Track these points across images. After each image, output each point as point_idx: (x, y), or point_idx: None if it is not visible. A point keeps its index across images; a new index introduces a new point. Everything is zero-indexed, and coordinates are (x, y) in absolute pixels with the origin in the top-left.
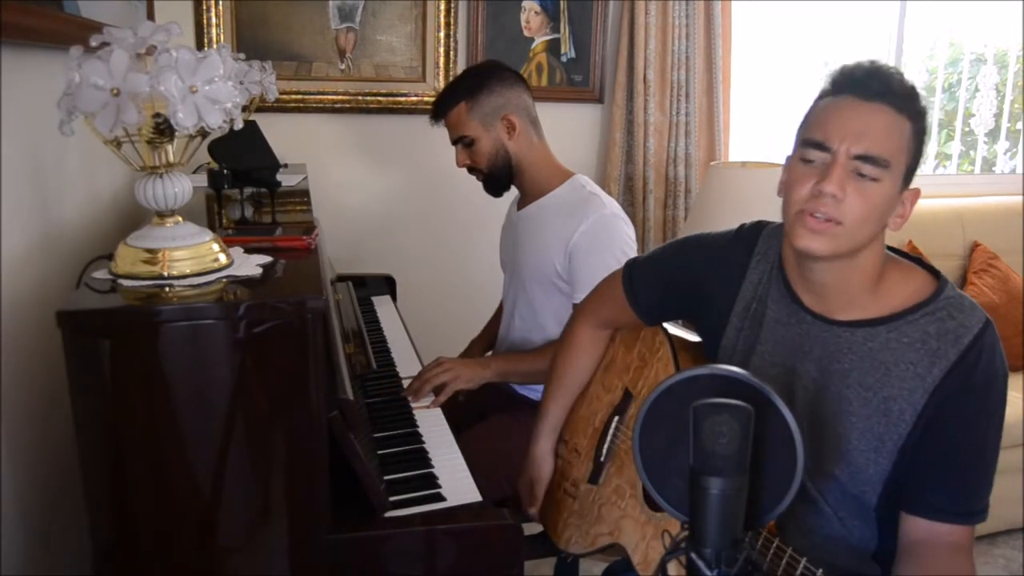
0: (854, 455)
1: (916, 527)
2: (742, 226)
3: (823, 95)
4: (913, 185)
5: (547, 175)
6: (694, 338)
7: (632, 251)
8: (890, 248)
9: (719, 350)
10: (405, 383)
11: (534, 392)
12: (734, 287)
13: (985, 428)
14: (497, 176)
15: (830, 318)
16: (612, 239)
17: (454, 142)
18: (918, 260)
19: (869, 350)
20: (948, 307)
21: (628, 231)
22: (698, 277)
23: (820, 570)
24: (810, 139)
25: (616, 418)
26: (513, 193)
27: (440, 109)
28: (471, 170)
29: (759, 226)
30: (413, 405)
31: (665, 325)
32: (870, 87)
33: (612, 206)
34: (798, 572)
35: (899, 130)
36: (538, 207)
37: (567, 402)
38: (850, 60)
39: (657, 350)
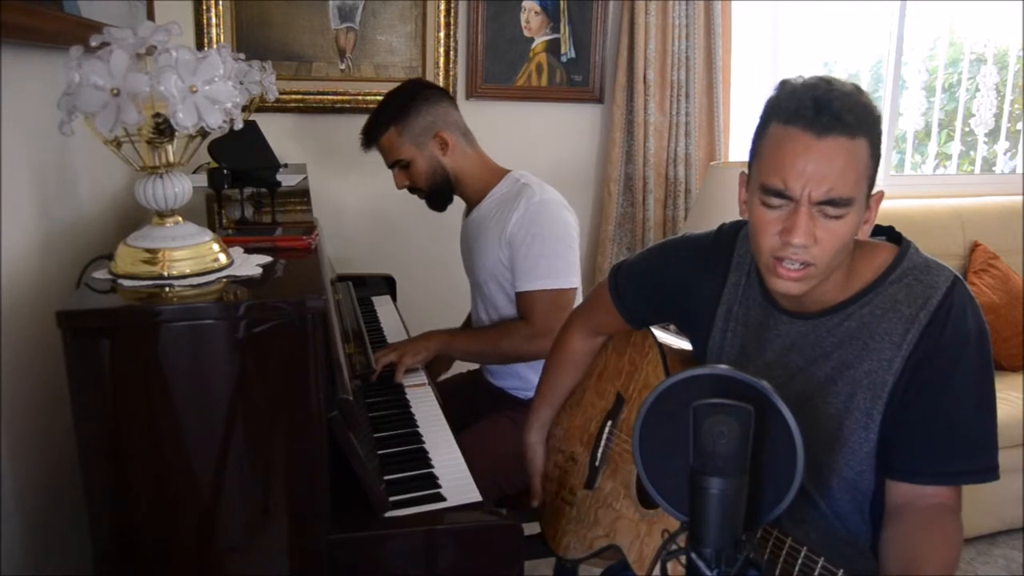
0: (848, 435)
1: (899, 491)
2: (721, 227)
3: (771, 118)
4: (914, 185)
5: (484, 180)
6: (682, 344)
7: (570, 235)
8: None
9: (707, 353)
10: (405, 382)
11: (523, 393)
12: (716, 290)
13: (962, 387)
14: (437, 192)
15: (808, 313)
16: (545, 225)
17: (390, 166)
18: (886, 229)
19: (847, 330)
20: (913, 271)
21: (565, 216)
22: (681, 280)
23: (841, 571)
24: (769, 186)
25: (609, 422)
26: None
27: (370, 136)
28: (412, 190)
29: (737, 227)
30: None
31: (654, 331)
32: (819, 122)
33: (545, 193)
34: (816, 572)
35: (856, 159)
36: (479, 210)
37: (557, 403)
38: (794, 75)
39: (647, 354)
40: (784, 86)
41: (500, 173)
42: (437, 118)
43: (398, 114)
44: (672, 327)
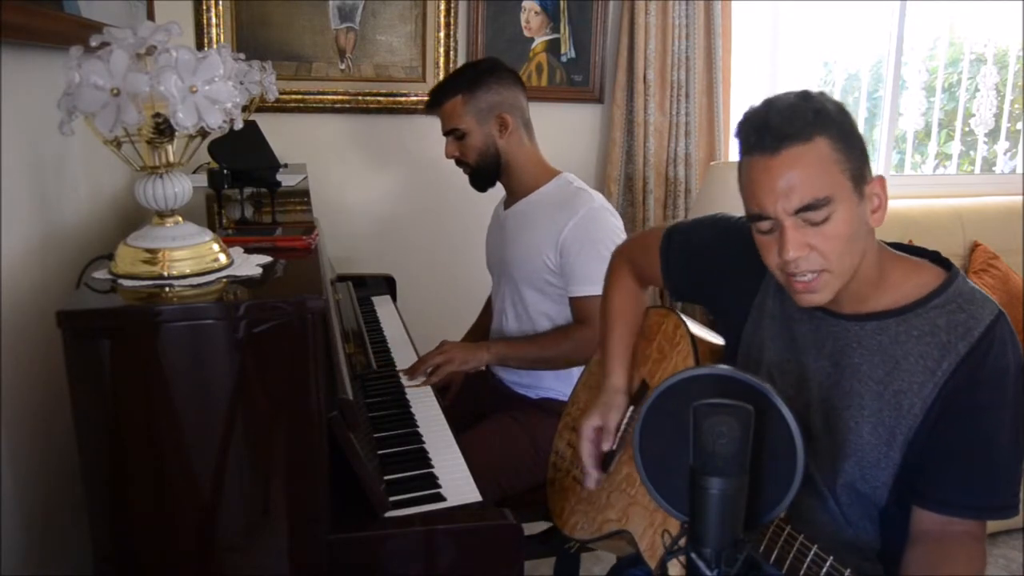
0: (866, 449)
1: (926, 518)
2: None
3: (740, 154)
4: (914, 185)
5: (534, 174)
6: (713, 338)
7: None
8: (896, 245)
9: (739, 345)
10: (405, 382)
11: (533, 391)
12: (755, 282)
13: (997, 422)
14: (484, 171)
15: (840, 312)
16: (602, 231)
17: (446, 133)
18: (932, 253)
19: (879, 343)
20: (958, 299)
21: (617, 223)
22: (728, 263)
23: (848, 570)
24: (751, 213)
25: (632, 408)
26: (500, 193)
27: (436, 99)
28: (459, 162)
29: None
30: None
31: (686, 321)
32: (765, 143)
33: (600, 200)
34: (823, 571)
35: (819, 158)
36: (526, 204)
37: (627, 339)
38: (751, 106)
39: (677, 343)
40: (741, 120)
41: (551, 173)
42: (504, 99)
43: (469, 84)
44: (703, 311)
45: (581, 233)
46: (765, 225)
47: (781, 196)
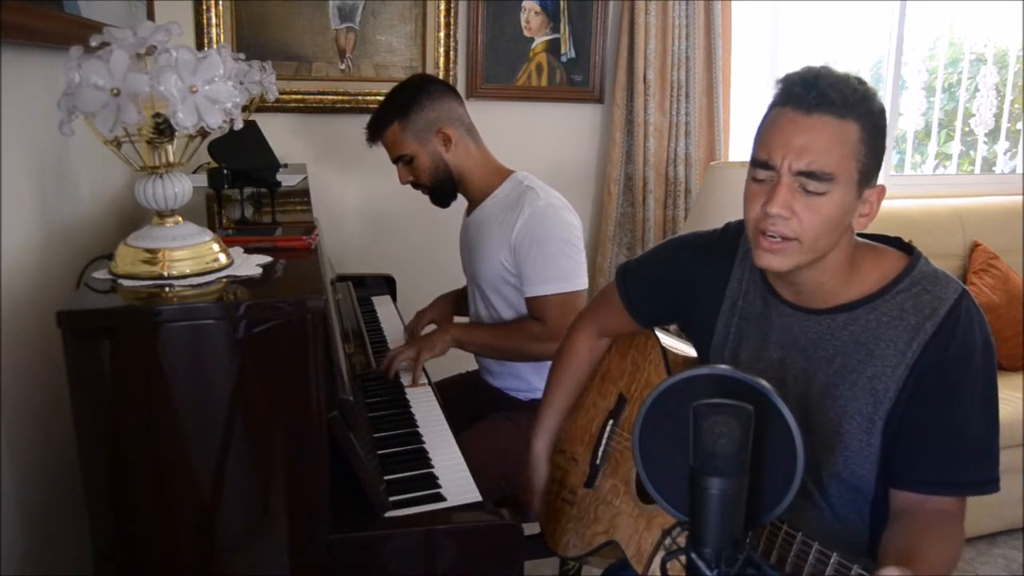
0: (848, 439)
1: (903, 498)
2: (727, 225)
3: (771, 106)
4: (914, 185)
5: (487, 179)
6: (684, 348)
7: (575, 237)
8: (862, 234)
9: (710, 349)
10: (405, 383)
11: (523, 394)
12: (720, 286)
13: (968, 398)
14: (441, 189)
15: (809, 308)
16: (550, 229)
17: (394, 161)
18: (895, 239)
19: (851, 333)
20: (922, 281)
21: (569, 218)
22: (687, 277)
23: (855, 567)
24: (756, 158)
25: (610, 422)
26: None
27: (374, 131)
28: (415, 186)
29: (742, 224)
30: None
31: (657, 332)
32: (806, 99)
33: (548, 197)
34: (828, 568)
35: (843, 138)
36: (482, 210)
37: (563, 410)
38: (799, 67)
39: (649, 354)
40: (784, 75)
41: (504, 173)
42: (440, 114)
43: (401, 109)
44: (673, 328)
45: (528, 233)
46: (762, 174)
47: (792, 152)
